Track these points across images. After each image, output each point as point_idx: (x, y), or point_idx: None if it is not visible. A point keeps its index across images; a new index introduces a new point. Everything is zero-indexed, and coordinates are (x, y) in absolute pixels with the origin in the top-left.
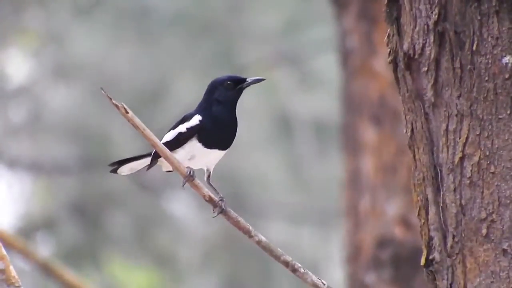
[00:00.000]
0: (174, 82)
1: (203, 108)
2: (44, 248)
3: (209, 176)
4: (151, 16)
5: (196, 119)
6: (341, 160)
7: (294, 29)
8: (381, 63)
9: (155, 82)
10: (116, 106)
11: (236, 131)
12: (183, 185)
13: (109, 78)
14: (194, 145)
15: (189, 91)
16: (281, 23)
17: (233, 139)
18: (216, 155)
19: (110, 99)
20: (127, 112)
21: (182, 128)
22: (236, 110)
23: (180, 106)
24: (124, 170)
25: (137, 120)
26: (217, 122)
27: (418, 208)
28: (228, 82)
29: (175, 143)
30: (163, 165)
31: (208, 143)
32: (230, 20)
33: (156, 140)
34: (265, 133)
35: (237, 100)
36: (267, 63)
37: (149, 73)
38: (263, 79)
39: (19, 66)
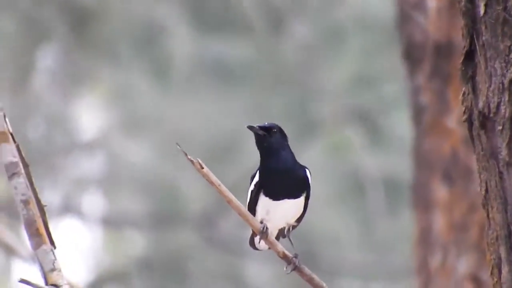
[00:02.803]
0: (247, 136)
1: (260, 161)
2: None
3: (289, 229)
4: (223, 70)
5: (257, 174)
6: (413, 218)
7: (366, 85)
8: (454, 121)
9: (227, 137)
10: (192, 161)
11: (296, 176)
12: (258, 242)
13: (180, 133)
14: (264, 200)
15: None
16: (352, 79)
17: (298, 185)
18: (289, 206)
19: (186, 154)
20: (202, 168)
21: (251, 185)
22: (303, 163)
23: (253, 161)
24: (261, 245)
25: (212, 176)
26: (270, 172)
27: (491, 267)
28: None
29: (252, 201)
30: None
31: (273, 195)
32: (303, 74)
33: (231, 196)
34: (337, 191)
35: (270, 145)
36: (339, 119)
37: (221, 127)
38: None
39: (91, 119)
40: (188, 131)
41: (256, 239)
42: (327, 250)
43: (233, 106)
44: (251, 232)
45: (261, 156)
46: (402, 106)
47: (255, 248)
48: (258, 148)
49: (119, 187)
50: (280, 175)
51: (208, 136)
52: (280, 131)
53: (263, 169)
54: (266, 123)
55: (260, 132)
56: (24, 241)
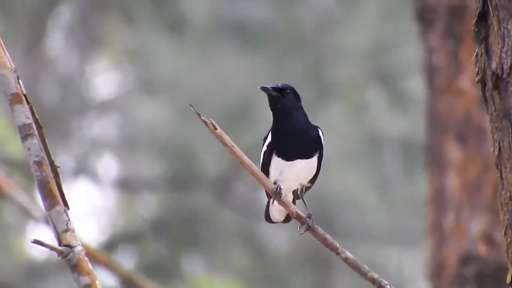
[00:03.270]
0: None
1: (273, 122)
2: (127, 262)
3: (302, 190)
4: (240, 32)
5: (269, 136)
6: (426, 178)
7: (383, 48)
8: (467, 81)
9: (243, 99)
10: (205, 122)
11: (309, 137)
12: (272, 202)
13: (196, 95)
14: (277, 161)
15: None
16: (370, 42)
17: (310, 145)
18: (302, 166)
19: (199, 115)
20: (216, 129)
21: (264, 147)
22: (322, 127)
23: (268, 123)
24: (276, 217)
25: (226, 137)
26: (283, 133)
27: (504, 227)
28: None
29: (265, 163)
30: (273, 210)
31: (286, 155)
32: (320, 38)
33: (244, 157)
34: (354, 152)
35: (283, 106)
36: (357, 82)
37: (237, 90)
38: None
39: (105, 80)
40: (204, 93)
41: (271, 207)
42: (344, 212)
43: (251, 68)
44: (265, 206)
45: (273, 117)
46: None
47: (270, 221)
48: (271, 109)
49: (133, 149)
50: (293, 135)
51: (224, 98)
52: (293, 92)
53: (275, 129)
54: (280, 84)
55: (274, 93)
56: (38, 202)
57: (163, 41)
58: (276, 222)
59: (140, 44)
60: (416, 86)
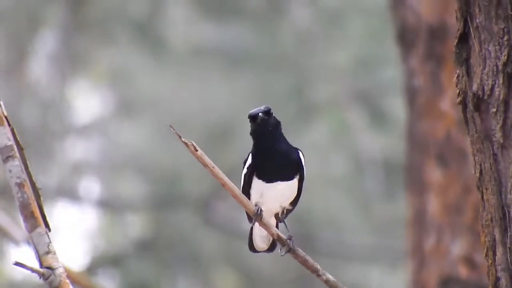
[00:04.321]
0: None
1: (253, 144)
2: (109, 285)
3: (283, 212)
4: (222, 53)
5: (250, 157)
6: (407, 200)
7: (364, 68)
8: (447, 103)
9: (224, 120)
10: (186, 144)
11: (289, 158)
12: (252, 224)
13: (178, 116)
14: (257, 183)
15: None
16: (351, 62)
17: (291, 167)
18: (282, 188)
19: (180, 137)
20: (196, 150)
21: (244, 169)
22: (303, 146)
23: (250, 144)
24: (260, 247)
25: (206, 158)
26: (263, 155)
27: (485, 249)
28: (249, 118)
29: (246, 185)
30: (256, 238)
31: (266, 177)
32: (301, 58)
33: (225, 178)
34: (335, 172)
35: (264, 131)
36: (338, 101)
37: (218, 110)
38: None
39: (86, 102)
40: (186, 114)
41: (254, 235)
42: (326, 232)
43: (232, 89)
44: (249, 235)
45: (254, 139)
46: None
47: (254, 250)
48: (256, 133)
49: (115, 170)
50: (273, 157)
51: (206, 119)
52: (272, 114)
53: (256, 151)
54: (262, 107)
55: (265, 117)
56: (18, 224)
57: (144, 63)
58: (260, 251)
59: (121, 65)
60: (397, 106)
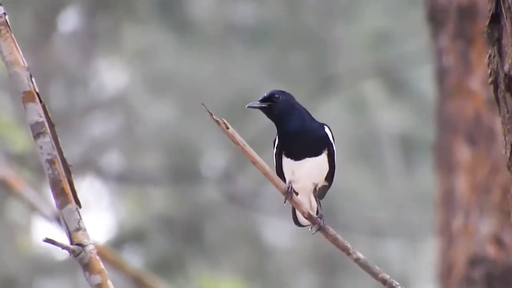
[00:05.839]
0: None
1: (276, 127)
2: (133, 260)
3: (315, 189)
4: (244, 29)
5: (277, 138)
6: (435, 179)
7: (387, 42)
8: (477, 83)
9: (245, 94)
10: (217, 121)
11: (312, 135)
12: (284, 203)
13: (201, 91)
14: (287, 162)
15: None
16: (374, 36)
17: (316, 143)
18: (311, 165)
19: (211, 114)
20: (228, 128)
21: (274, 149)
22: (321, 121)
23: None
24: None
25: (238, 136)
26: (286, 135)
27: None
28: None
29: (278, 164)
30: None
31: (293, 155)
32: (322, 31)
33: (257, 156)
34: (354, 146)
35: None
36: (359, 75)
37: (240, 85)
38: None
39: (112, 78)
40: (208, 90)
41: (299, 215)
42: (345, 206)
43: (253, 65)
44: (292, 209)
45: (275, 123)
46: (423, 63)
47: (299, 225)
48: (270, 119)
49: (139, 146)
50: (296, 135)
51: (228, 95)
52: (283, 93)
53: (280, 132)
54: (266, 94)
55: (264, 104)
56: (47, 200)
57: (168, 39)
58: (306, 225)
59: (145, 42)
60: (418, 80)
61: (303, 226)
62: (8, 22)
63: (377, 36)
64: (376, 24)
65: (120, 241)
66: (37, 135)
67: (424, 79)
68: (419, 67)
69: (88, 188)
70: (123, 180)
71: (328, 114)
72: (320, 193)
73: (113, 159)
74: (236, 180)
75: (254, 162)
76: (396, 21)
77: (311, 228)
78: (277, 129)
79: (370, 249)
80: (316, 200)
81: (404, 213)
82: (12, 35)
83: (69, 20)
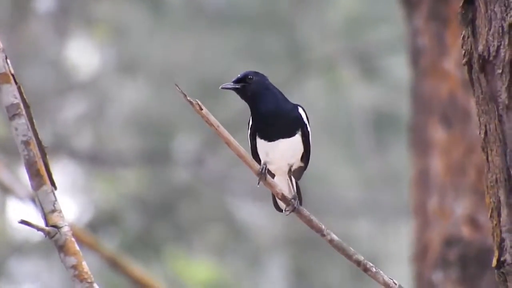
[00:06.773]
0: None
1: (250, 108)
2: (108, 241)
3: (290, 170)
4: (218, 10)
5: (251, 119)
6: (410, 159)
7: (361, 27)
8: (451, 63)
9: (219, 75)
10: (191, 102)
11: (286, 115)
12: (257, 184)
13: (172, 71)
14: (261, 143)
15: None
16: (348, 20)
17: (289, 124)
18: (285, 145)
19: (185, 95)
20: (201, 109)
21: (248, 130)
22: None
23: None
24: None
25: (211, 117)
26: (259, 116)
27: (490, 210)
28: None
29: (252, 146)
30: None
31: (267, 136)
32: (296, 15)
33: (230, 137)
34: (327, 127)
35: (253, 92)
36: (332, 60)
37: (212, 66)
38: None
39: (86, 59)
40: (181, 71)
41: (279, 201)
42: (317, 186)
43: (227, 46)
44: (271, 194)
45: (249, 104)
46: (397, 46)
47: (279, 210)
48: (243, 99)
49: (113, 128)
50: (270, 116)
51: (201, 76)
52: (256, 74)
53: (254, 113)
54: (240, 75)
55: (238, 85)
56: (21, 181)
57: (141, 19)
58: (285, 211)
59: (119, 22)
60: (392, 60)
61: (283, 211)
62: None
63: (352, 21)
64: (353, 9)
65: (95, 222)
66: (12, 116)
67: (398, 61)
68: (394, 49)
69: (62, 170)
70: (96, 162)
71: (302, 95)
72: (296, 174)
73: (86, 141)
74: (208, 162)
75: (228, 144)
76: (372, 6)
77: (285, 209)
78: (251, 110)
79: (342, 229)
80: (291, 181)
81: (377, 193)
82: None
83: (44, 1)
